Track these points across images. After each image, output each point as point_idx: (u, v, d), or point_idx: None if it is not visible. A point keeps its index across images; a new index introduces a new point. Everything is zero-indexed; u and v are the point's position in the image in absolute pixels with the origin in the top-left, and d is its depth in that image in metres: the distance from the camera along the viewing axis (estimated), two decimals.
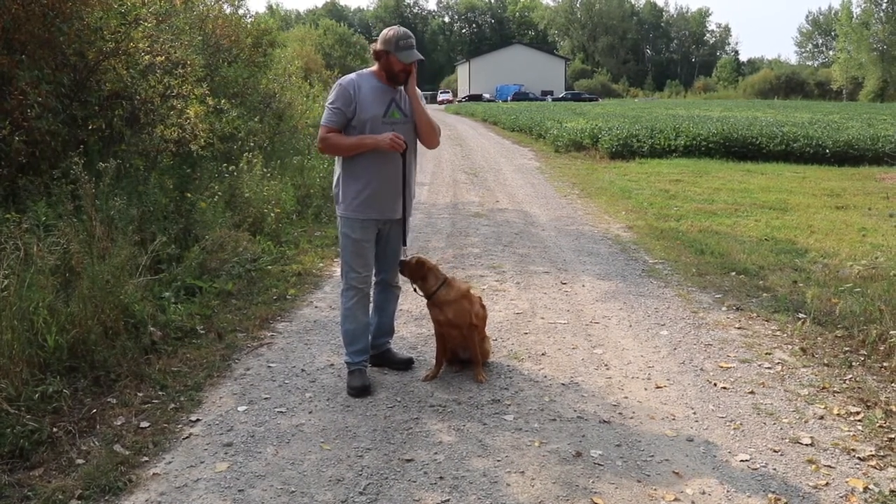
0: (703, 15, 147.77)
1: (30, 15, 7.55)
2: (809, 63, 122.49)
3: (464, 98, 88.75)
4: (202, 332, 5.77)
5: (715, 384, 4.63)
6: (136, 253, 6.26)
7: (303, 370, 4.99)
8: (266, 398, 4.54)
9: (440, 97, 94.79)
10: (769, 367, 4.92)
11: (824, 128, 23.38)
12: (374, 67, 4.57)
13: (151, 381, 4.80)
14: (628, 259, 8.21)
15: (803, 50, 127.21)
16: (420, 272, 4.66)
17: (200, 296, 6.56)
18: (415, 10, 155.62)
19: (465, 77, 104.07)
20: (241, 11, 16.85)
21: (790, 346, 5.32)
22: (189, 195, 8.46)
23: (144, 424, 4.16)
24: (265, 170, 10.39)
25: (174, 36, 8.99)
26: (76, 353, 4.84)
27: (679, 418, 4.15)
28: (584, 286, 7.04)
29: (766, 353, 5.19)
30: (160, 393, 4.65)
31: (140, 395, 4.61)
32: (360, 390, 4.51)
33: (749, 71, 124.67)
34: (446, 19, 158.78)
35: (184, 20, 9.53)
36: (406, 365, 4.94)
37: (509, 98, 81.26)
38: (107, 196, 6.34)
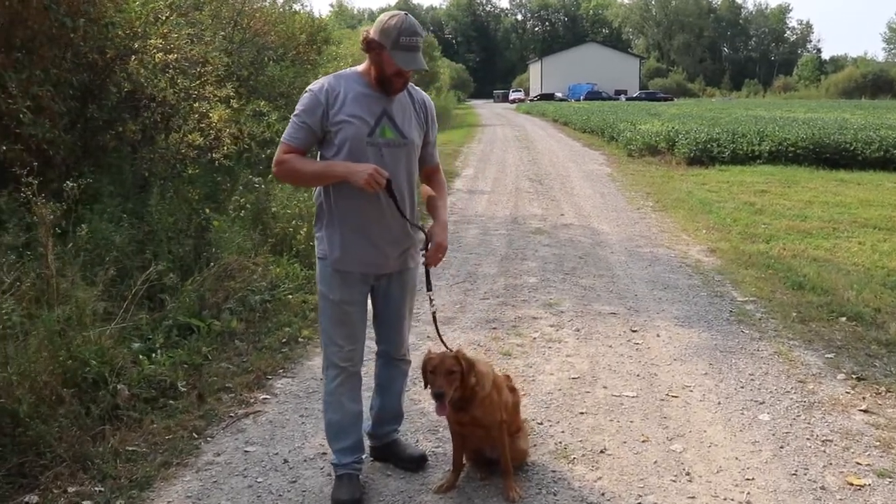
0: (783, 11, 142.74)
1: (28, 8, 6.62)
2: None
3: (535, 97, 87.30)
4: (183, 389, 4.69)
5: None
6: (112, 290, 5.26)
7: (285, 461, 3.83)
8: None
9: (512, 96, 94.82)
10: None
11: None
12: (363, 66, 3.37)
13: (94, 467, 3.73)
14: (712, 295, 6.85)
15: (892, 46, 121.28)
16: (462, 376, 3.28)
17: (197, 337, 5.49)
18: (487, 9, 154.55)
19: (538, 76, 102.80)
20: (295, 6, 16.02)
21: None
22: (208, 210, 7.46)
23: None
24: None
25: (195, 32, 8.00)
26: (1, 431, 3.80)
27: None
28: (658, 336, 5.72)
29: None
30: (98, 489, 3.57)
31: (71, 491, 3.54)
32: None
33: (832, 69, 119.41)
34: (519, 17, 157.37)
35: (208, 14, 8.53)
36: (417, 464, 3.70)
37: (582, 97, 79.56)
38: (75, 222, 5.31)
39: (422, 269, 3.52)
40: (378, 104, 3.28)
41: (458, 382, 3.20)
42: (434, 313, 3.52)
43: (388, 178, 3.18)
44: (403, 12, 3.22)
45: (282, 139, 3.27)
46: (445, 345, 3.42)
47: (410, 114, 3.38)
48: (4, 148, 6.13)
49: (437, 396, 3.17)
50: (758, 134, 19.51)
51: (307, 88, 3.31)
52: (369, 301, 3.54)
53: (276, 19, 12.58)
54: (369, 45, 3.20)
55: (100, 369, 4.40)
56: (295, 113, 3.27)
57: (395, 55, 3.14)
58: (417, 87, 3.53)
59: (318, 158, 3.36)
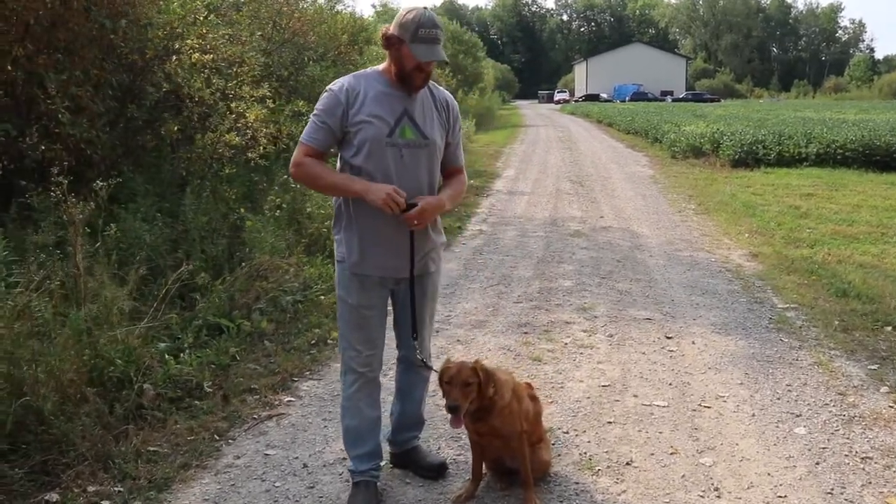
0: (834, 11, 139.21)
1: (69, 10, 6.69)
2: None
3: (580, 98, 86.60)
4: (209, 389, 4.68)
5: None
6: (143, 289, 5.28)
7: (304, 466, 3.79)
8: None
9: (556, 97, 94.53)
10: None
11: None
12: (383, 65, 3.31)
13: (115, 467, 3.72)
14: (752, 301, 6.66)
15: None
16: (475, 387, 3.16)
17: (226, 338, 5.48)
18: (533, 9, 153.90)
19: (583, 76, 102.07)
20: (338, 6, 16.06)
21: None
22: (243, 210, 7.47)
23: None
24: None
25: (233, 32, 8.02)
26: (27, 428, 3.82)
27: None
28: (694, 343, 5.57)
29: None
30: (117, 489, 3.56)
31: (91, 490, 3.54)
32: None
33: (885, 69, 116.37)
34: (564, 17, 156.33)
35: (246, 14, 8.54)
36: (437, 472, 3.63)
37: (627, 98, 78.73)
38: (106, 220, 5.33)
39: (430, 281, 3.44)
40: (399, 103, 3.22)
41: (474, 395, 3.11)
42: (424, 361, 3.46)
43: (407, 200, 3.11)
44: (422, 6, 3.16)
45: (300, 139, 3.22)
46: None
47: (432, 113, 3.30)
48: (44, 147, 6.20)
49: (452, 409, 3.09)
50: (805, 136, 19.01)
51: (327, 88, 3.26)
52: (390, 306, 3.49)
53: (317, 19, 12.57)
54: (389, 41, 3.15)
55: (125, 368, 4.40)
56: (314, 112, 3.22)
57: (415, 48, 3.07)
58: (440, 86, 3.46)
59: (338, 158, 3.30)
